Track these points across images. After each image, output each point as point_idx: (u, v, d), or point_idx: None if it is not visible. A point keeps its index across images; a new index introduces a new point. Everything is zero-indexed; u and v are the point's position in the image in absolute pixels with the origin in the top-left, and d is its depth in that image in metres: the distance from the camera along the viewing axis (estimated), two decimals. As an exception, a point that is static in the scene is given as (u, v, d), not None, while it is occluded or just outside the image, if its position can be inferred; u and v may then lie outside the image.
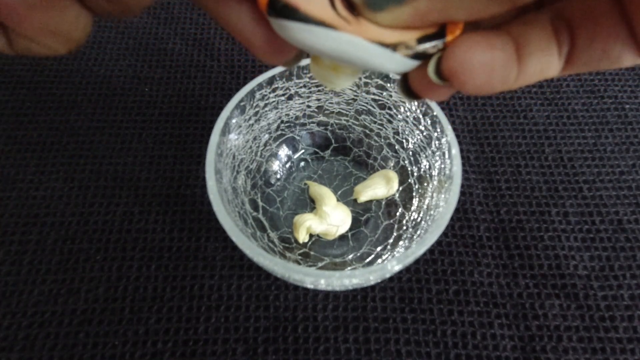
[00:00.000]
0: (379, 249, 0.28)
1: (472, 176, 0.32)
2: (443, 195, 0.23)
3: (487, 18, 0.11)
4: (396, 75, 0.12)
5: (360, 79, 0.28)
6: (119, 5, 0.12)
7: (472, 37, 0.11)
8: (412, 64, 0.12)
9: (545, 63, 0.12)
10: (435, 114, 0.25)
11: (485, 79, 0.11)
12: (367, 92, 0.29)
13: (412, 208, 0.28)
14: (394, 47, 0.11)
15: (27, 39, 0.12)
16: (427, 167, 0.27)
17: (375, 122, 0.30)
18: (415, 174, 0.28)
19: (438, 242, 0.29)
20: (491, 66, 0.11)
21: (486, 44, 0.11)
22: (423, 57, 0.12)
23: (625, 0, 0.11)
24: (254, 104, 0.27)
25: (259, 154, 0.30)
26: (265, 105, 0.28)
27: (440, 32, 0.11)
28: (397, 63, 0.12)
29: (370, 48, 0.11)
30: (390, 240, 0.27)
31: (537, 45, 0.11)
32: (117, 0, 0.12)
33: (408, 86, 0.13)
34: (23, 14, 0.11)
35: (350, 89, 0.29)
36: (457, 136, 0.34)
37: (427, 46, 0.11)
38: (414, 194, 0.28)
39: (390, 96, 0.28)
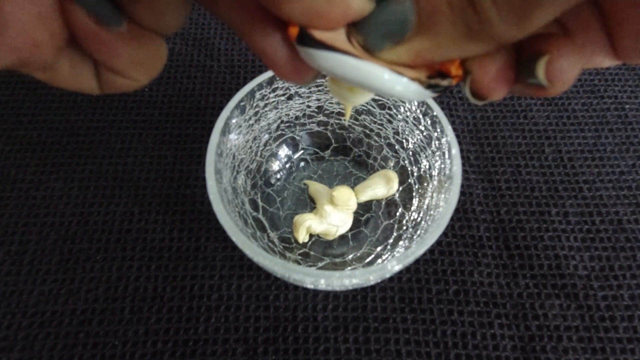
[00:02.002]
0: (379, 249, 0.28)
1: (472, 176, 0.32)
2: (443, 195, 0.23)
3: (476, 55, 0.12)
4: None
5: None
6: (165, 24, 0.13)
7: (565, 43, 0.12)
8: (427, 94, 0.12)
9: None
10: (435, 114, 0.25)
11: (571, 84, 0.12)
12: (367, 92, 0.29)
13: (412, 208, 0.28)
14: (411, 79, 0.12)
15: (116, 74, 0.14)
16: (427, 167, 0.27)
17: (375, 122, 0.30)
18: (415, 174, 0.28)
19: (438, 242, 0.29)
20: (578, 73, 0.12)
21: (580, 54, 0.12)
22: (437, 89, 0.12)
23: (607, 15, 0.12)
24: (254, 104, 0.27)
25: (259, 154, 0.30)
26: (265, 105, 0.28)
27: (443, 74, 0.12)
28: (413, 92, 0.12)
29: (390, 76, 0.12)
30: (390, 240, 0.27)
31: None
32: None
33: (474, 92, 0.14)
34: (117, 49, 0.13)
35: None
36: (457, 136, 0.34)
37: (439, 81, 0.12)
38: (414, 194, 0.28)
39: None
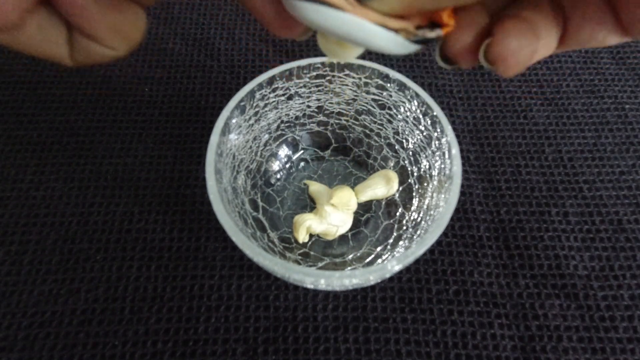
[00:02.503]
0: (379, 249, 0.28)
1: (472, 176, 0.32)
2: (443, 195, 0.23)
3: (472, 3, 0.12)
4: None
5: (360, 79, 0.28)
6: None
7: (518, 25, 0.12)
8: (414, 47, 0.12)
9: (548, 44, 0.13)
10: (435, 114, 0.25)
11: (524, 64, 0.12)
12: (367, 92, 0.29)
13: (412, 208, 0.28)
14: (396, 31, 0.12)
15: (92, 40, 0.13)
16: (427, 167, 0.27)
17: (375, 122, 0.30)
18: (415, 174, 0.28)
19: (438, 242, 0.29)
20: (533, 53, 0.12)
21: (533, 34, 0.12)
22: (424, 42, 0.12)
23: None
24: (254, 104, 0.27)
25: (259, 154, 0.30)
26: (265, 105, 0.28)
27: (435, 24, 0.12)
28: (399, 45, 0.12)
29: (374, 30, 0.12)
30: (390, 240, 0.27)
31: (545, 29, 0.13)
32: None
33: (445, 54, 0.14)
34: (93, 12, 0.12)
35: (350, 89, 0.29)
36: (457, 136, 0.34)
37: (426, 32, 0.12)
38: (414, 194, 0.28)
39: (390, 96, 0.28)
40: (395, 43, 0.12)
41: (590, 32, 0.12)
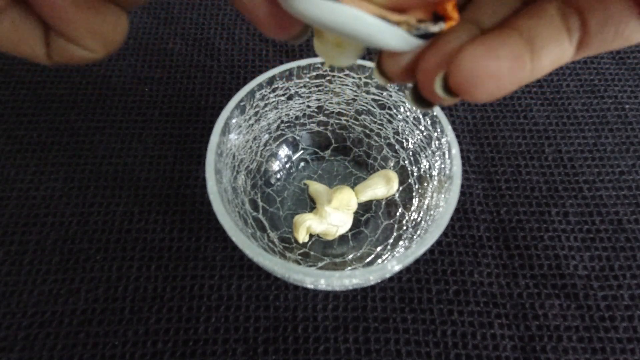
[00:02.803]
0: (379, 249, 0.28)
1: (472, 176, 0.32)
2: (443, 195, 0.23)
3: None
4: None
5: (360, 78, 0.28)
6: None
7: (476, 48, 0.11)
8: (416, 42, 0.12)
9: (558, 53, 0.12)
10: (435, 114, 0.25)
11: (494, 86, 0.11)
12: (367, 92, 0.29)
13: (412, 208, 0.28)
14: (396, 24, 0.11)
15: (69, 42, 0.13)
16: (427, 167, 0.27)
17: (375, 122, 0.30)
18: (415, 174, 0.28)
19: (438, 242, 0.29)
20: (498, 75, 0.11)
21: (491, 55, 0.11)
22: (426, 36, 0.12)
23: None
24: (254, 104, 0.27)
25: (259, 154, 0.30)
26: (265, 105, 0.28)
27: (438, 16, 0.11)
28: (401, 40, 0.11)
29: (374, 22, 0.11)
30: (390, 240, 0.27)
31: (548, 37, 0.12)
32: None
33: (419, 94, 0.13)
34: (71, 14, 0.12)
35: (350, 89, 0.29)
36: (457, 136, 0.34)
37: (429, 26, 0.11)
38: (414, 194, 0.28)
39: (390, 96, 0.28)
40: (396, 37, 0.11)
41: (614, 29, 0.11)
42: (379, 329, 0.26)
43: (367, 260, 0.27)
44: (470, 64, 0.11)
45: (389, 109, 0.29)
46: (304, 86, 0.28)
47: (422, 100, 0.13)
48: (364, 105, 0.30)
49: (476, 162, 0.33)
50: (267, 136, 0.30)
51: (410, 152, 0.29)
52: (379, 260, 0.27)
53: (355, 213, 0.30)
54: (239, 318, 0.26)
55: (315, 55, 0.36)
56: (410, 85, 0.14)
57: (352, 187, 0.30)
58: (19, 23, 0.12)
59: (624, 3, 0.11)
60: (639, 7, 0.11)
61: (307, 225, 0.28)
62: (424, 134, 0.27)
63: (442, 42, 0.12)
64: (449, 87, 0.11)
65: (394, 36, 0.11)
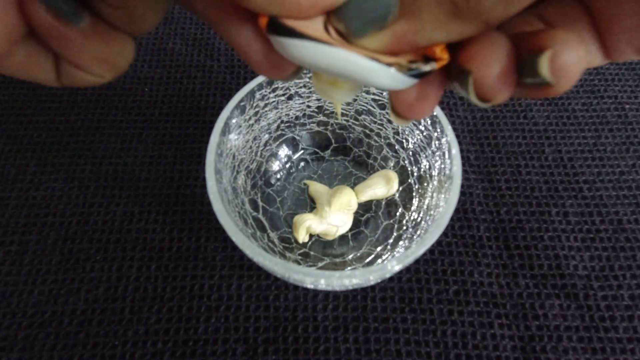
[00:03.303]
0: (379, 249, 0.28)
1: (472, 176, 0.32)
2: (443, 195, 0.23)
3: (463, 39, 0.11)
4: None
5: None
6: (133, 24, 0.13)
7: (569, 36, 0.11)
8: (410, 81, 0.12)
9: (593, 57, 0.12)
10: (435, 114, 0.25)
11: (578, 77, 0.11)
12: (367, 92, 0.29)
13: (412, 208, 0.28)
14: (389, 65, 0.11)
15: (78, 69, 0.13)
16: (427, 167, 0.27)
17: (375, 122, 0.30)
18: (415, 174, 0.28)
19: (438, 242, 0.29)
20: (586, 63, 0.11)
21: (585, 47, 0.11)
22: (419, 75, 0.12)
23: (595, 12, 0.11)
24: (254, 104, 0.27)
25: (259, 154, 0.30)
26: (265, 105, 0.28)
27: (428, 58, 0.12)
28: (394, 80, 0.12)
29: (367, 64, 0.11)
30: (390, 240, 0.27)
31: (588, 40, 0.12)
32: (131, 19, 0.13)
33: (479, 93, 0.13)
34: (78, 44, 0.12)
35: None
36: (457, 136, 0.34)
37: (421, 66, 0.12)
38: (414, 194, 0.28)
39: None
40: (389, 77, 0.12)
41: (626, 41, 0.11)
42: (379, 329, 0.26)
43: (367, 260, 0.27)
44: (572, 50, 0.11)
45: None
46: (304, 86, 0.28)
47: (482, 97, 0.13)
48: (364, 105, 0.30)
49: (476, 162, 0.33)
50: (267, 136, 0.30)
51: (410, 152, 0.29)
52: (379, 260, 0.27)
53: (355, 213, 0.30)
54: (239, 318, 0.26)
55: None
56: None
57: (352, 187, 0.30)
58: (33, 53, 0.13)
59: (590, 32, 0.11)
60: (600, 38, 0.11)
61: (307, 225, 0.28)
62: (424, 134, 0.27)
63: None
64: (551, 70, 0.11)
65: (387, 77, 0.12)
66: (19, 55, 0.13)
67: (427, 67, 0.11)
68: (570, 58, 0.10)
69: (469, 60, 0.11)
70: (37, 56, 0.13)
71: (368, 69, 0.11)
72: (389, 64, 0.11)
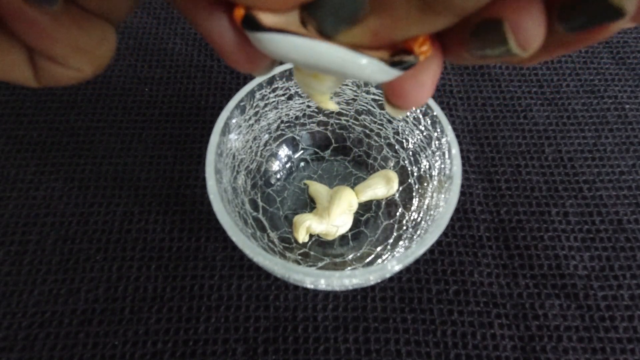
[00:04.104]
0: (379, 249, 0.28)
1: (472, 176, 0.32)
2: (443, 195, 0.23)
3: (439, 30, 0.11)
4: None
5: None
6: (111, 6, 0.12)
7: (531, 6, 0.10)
8: (394, 73, 0.12)
9: None
10: (435, 114, 0.25)
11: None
12: (367, 92, 0.29)
13: (412, 208, 0.28)
14: (371, 57, 0.11)
15: (54, 62, 0.12)
16: (427, 167, 0.27)
17: (375, 122, 0.30)
18: (415, 174, 0.28)
19: (438, 242, 0.29)
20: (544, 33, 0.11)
21: (542, 11, 0.10)
22: (404, 65, 0.11)
23: None
24: (254, 104, 0.27)
25: (259, 154, 0.30)
26: (265, 105, 0.28)
27: (407, 52, 0.11)
28: (378, 71, 0.11)
29: (348, 56, 0.11)
30: (390, 240, 0.27)
31: None
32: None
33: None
34: (51, 31, 0.11)
35: (350, 89, 0.29)
36: (457, 136, 0.34)
37: (403, 57, 0.11)
38: (414, 194, 0.28)
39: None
40: (372, 69, 0.11)
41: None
42: (379, 329, 0.26)
43: (367, 260, 0.27)
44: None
45: (389, 109, 0.29)
46: (304, 86, 0.28)
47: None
48: (364, 105, 0.30)
49: (476, 162, 0.33)
50: (267, 136, 0.30)
51: (410, 152, 0.29)
52: (379, 260, 0.27)
53: (355, 213, 0.30)
54: (239, 318, 0.26)
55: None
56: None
57: (352, 187, 0.30)
58: (3, 48, 0.12)
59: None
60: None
61: (307, 225, 0.28)
62: (424, 134, 0.27)
63: None
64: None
65: (370, 69, 0.11)
66: None
67: (410, 58, 0.11)
68: (531, 25, 0.10)
69: (499, 8, 0.10)
70: (8, 51, 0.12)
71: (349, 62, 0.11)
72: (371, 56, 0.11)
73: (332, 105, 0.16)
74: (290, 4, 0.10)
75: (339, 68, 0.11)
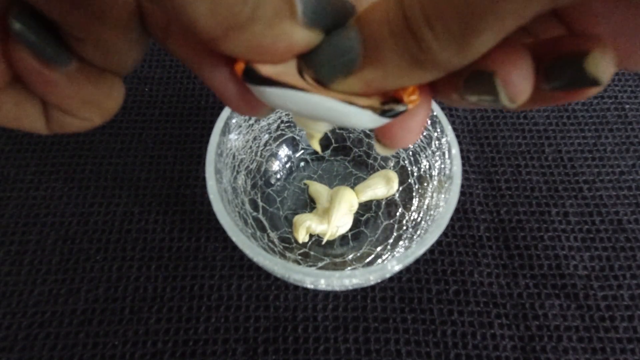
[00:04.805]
0: (379, 249, 0.28)
1: (472, 176, 0.32)
2: (443, 195, 0.23)
3: (428, 82, 0.11)
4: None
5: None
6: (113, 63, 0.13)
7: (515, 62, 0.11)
8: (384, 120, 0.12)
9: None
10: (435, 114, 0.25)
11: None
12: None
13: (412, 208, 0.28)
14: (363, 107, 0.12)
15: (66, 114, 0.13)
16: (427, 167, 0.27)
17: (375, 122, 0.30)
18: (415, 174, 0.28)
19: (438, 242, 0.29)
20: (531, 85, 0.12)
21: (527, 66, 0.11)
22: (393, 113, 0.12)
23: (572, 28, 0.11)
24: (254, 104, 0.27)
25: (259, 154, 0.30)
26: (265, 105, 0.28)
27: (397, 100, 0.12)
28: (369, 120, 0.12)
29: (341, 108, 0.12)
30: (390, 240, 0.27)
31: None
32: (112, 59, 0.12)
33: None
34: (65, 90, 0.12)
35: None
36: (457, 136, 0.34)
37: (393, 106, 0.12)
38: (414, 194, 0.28)
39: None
40: (364, 119, 0.12)
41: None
42: (379, 329, 0.26)
43: (367, 260, 0.27)
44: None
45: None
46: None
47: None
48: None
49: (476, 162, 0.33)
50: (267, 136, 0.30)
51: (410, 152, 0.29)
52: (379, 260, 0.27)
53: (355, 213, 0.30)
54: (239, 318, 0.26)
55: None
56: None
57: (352, 187, 0.30)
58: (20, 100, 0.12)
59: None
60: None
61: (307, 225, 0.28)
62: (424, 134, 0.27)
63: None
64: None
65: (361, 118, 0.12)
66: (6, 104, 0.12)
67: (400, 107, 0.12)
68: (516, 78, 0.11)
69: (492, 62, 0.11)
70: (24, 104, 0.13)
71: (343, 112, 0.12)
72: (363, 106, 0.12)
73: (317, 146, 0.18)
74: (287, 57, 0.11)
75: (332, 118, 0.12)
